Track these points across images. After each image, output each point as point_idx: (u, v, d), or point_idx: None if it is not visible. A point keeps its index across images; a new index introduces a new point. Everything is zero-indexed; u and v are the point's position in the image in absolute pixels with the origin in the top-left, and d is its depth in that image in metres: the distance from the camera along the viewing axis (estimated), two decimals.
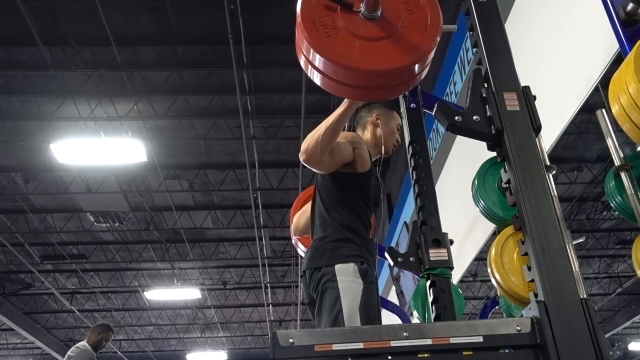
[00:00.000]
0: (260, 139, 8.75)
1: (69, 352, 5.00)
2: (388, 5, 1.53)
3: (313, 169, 2.07)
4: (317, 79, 1.52)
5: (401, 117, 2.39)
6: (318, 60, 1.44)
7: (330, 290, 1.89)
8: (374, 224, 2.93)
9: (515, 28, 3.33)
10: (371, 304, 1.93)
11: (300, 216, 2.55)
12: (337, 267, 1.91)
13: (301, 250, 3.01)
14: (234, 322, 16.61)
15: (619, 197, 1.90)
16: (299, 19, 1.48)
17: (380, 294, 3.17)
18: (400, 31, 1.50)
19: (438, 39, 1.53)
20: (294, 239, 3.01)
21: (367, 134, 2.34)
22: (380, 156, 2.33)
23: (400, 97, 2.45)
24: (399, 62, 1.46)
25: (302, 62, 1.54)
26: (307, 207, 2.34)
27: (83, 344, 5.05)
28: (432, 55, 1.55)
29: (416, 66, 1.51)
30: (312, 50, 1.43)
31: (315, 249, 2.04)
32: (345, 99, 1.93)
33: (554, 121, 2.99)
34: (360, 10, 1.50)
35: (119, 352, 17.83)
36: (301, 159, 1.99)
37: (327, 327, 1.83)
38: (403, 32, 1.50)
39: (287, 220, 11.06)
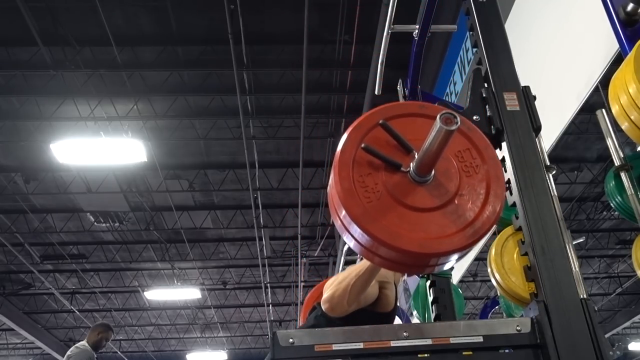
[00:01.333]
0: (260, 139, 8.75)
1: (68, 352, 5.00)
2: (442, 165, 1.25)
3: (333, 316, 1.82)
4: (352, 244, 1.28)
5: None
6: (356, 231, 1.20)
7: None
8: None
9: (515, 28, 3.33)
10: None
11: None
12: None
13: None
14: (234, 322, 16.61)
15: (619, 197, 1.90)
16: (336, 180, 1.23)
17: None
18: (455, 200, 1.24)
19: (499, 213, 1.26)
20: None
21: None
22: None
23: (401, 98, 2.45)
24: (453, 244, 1.19)
25: (336, 224, 1.29)
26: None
27: (83, 343, 5.05)
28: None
29: (471, 247, 1.24)
30: (350, 220, 1.20)
31: None
32: None
33: (554, 121, 2.99)
34: (408, 171, 1.24)
35: (119, 352, 17.82)
36: (323, 307, 1.77)
37: None
38: (459, 201, 1.24)
39: (287, 220, 11.10)
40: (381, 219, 1.19)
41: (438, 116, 1.11)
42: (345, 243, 2.08)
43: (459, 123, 1.12)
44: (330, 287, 1.76)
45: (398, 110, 1.34)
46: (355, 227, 1.19)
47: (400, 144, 1.28)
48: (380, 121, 1.28)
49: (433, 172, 1.25)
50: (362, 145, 1.25)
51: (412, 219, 1.20)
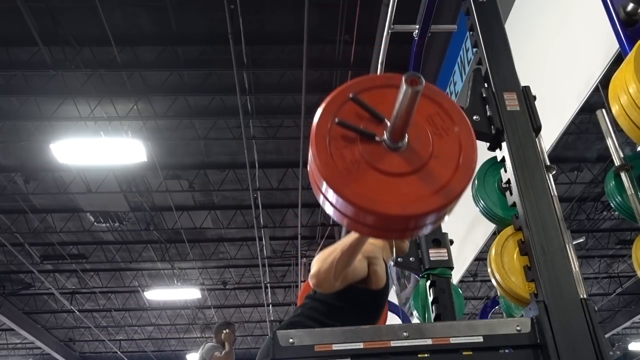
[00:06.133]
0: (260, 139, 8.75)
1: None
2: (414, 131, 1.30)
3: (321, 292, 1.84)
4: (334, 215, 1.32)
5: None
6: (337, 200, 1.25)
7: None
8: None
9: (515, 28, 3.33)
10: None
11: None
12: None
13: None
14: (234, 322, 16.59)
15: (619, 197, 1.90)
16: (314, 154, 1.27)
17: None
18: (429, 163, 1.28)
19: (474, 172, 1.31)
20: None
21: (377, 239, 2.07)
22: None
23: None
24: (429, 205, 1.23)
25: (319, 199, 1.33)
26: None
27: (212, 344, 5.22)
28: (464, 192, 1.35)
29: (448, 207, 1.29)
30: (330, 189, 1.24)
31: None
32: None
33: (554, 121, 2.99)
34: (383, 140, 1.29)
35: (119, 352, 17.83)
36: (310, 283, 1.79)
37: None
38: (433, 164, 1.28)
39: (287, 220, 11.10)
40: (360, 187, 1.23)
41: (403, 78, 1.15)
42: None
43: (424, 83, 1.15)
44: (317, 262, 1.77)
45: (368, 84, 1.38)
46: (337, 196, 1.23)
47: (372, 115, 1.32)
48: (351, 95, 1.32)
49: (406, 138, 1.29)
50: (336, 120, 1.29)
51: (390, 184, 1.25)
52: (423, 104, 1.31)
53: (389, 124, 1.28)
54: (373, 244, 2.02)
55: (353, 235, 1.71)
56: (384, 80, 1.41)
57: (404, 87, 1.15)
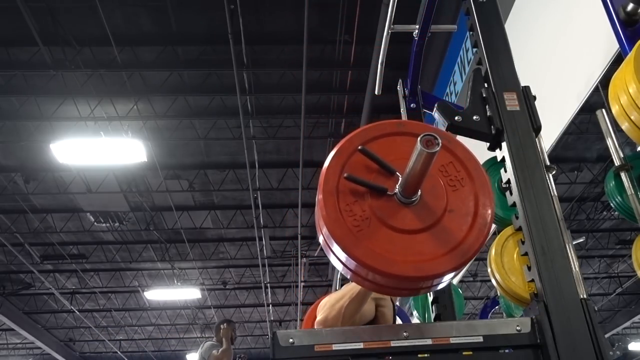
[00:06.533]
0: (260, 139, 8.75)
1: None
2: (427, 182, 1.23)
3: None
4: (345, 273, 1.26)
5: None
6: (348, 260, 1.19)
7: None
8: None
9: (515, 28, 3.33)
10: None
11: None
12: None
13: None
14: (234, 322, 16.59)
15: (619, 197, 1.90)
16: (322, 210, 1.21)
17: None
18: (443, 219, 1.22)
19: (490, 229, 1.25)
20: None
21: None
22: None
23: (401, 98, 2.45)
24: (443, 266, 1.17)
25: (327, 253, 1.28)
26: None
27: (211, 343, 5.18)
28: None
29: (463, 267, 1.23)
30: (341, 250, 1.18)
31: None
32: None
33: (554, 121, 2.99)
34: (394, 193, 1.22)
35: (119, 352, 17.83)
36: (316, 328, 1.74)
37: None
38: (447, 219, 1.22)
39: (287, 220, 11.09)
40: (372, 246, 1.17)
41: (418, 140, 1.10)
42: None
43: (440, 145, 1.10)
44: (324, 309, 1.74)
45: (376, 132, 1.32)
46: (347, 256, 1.17)
47: (383, 168, 1.26)
48: (359, 147, 1.27)
49: (419, 192, 1.23)
50: (345, 175, 1.23)
51: (403, 243, 1.18)
52: (438, 154, 1.22)
53: (400, 177, 1.22)
54: None
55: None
56: (394, 127, 1.34)
57: (418, 147, 1.11)
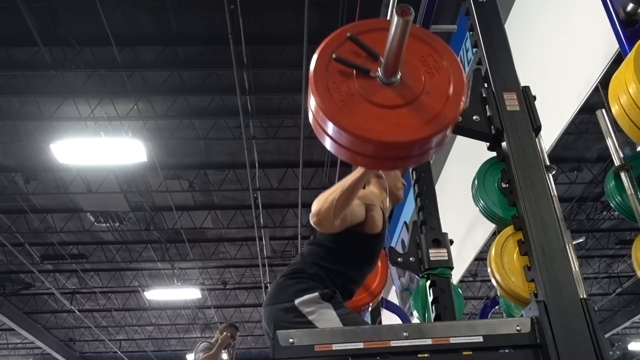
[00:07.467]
0: (260, 139, 8.75)
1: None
2: (408, 69, 1.39)
3: (322, 231, 1.94)
4: (331, 147, 1.40)
5: None
6: (333, 130, 1.33)
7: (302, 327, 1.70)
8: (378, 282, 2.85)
9: (515, 28, 3.33)
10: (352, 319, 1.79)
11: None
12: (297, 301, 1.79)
13: None
14: (234, 322, 16.61)
15: (619, 197, 1.90)
16: (312, 86, 1.35)
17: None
18: (421, 98, 1.36)
19: (462, 106, 1.39)
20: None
21: (372, 188, 2.20)
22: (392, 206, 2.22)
23: None
24: (420, 133, 1.32)
25: (315, 130, 1.42)
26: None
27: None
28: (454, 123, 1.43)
29: (438, 136, 1.37)
30: (327, 120, 1.32)
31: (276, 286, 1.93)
32: None
33: (554, 121, 2.99)
34: (377, 75, 1.37)
35: (119, 352, 17.83)
36: (311, 222, 1.86)
37: None
38: (424, 98, 1.36)
39: (287, 220, 11.09)
40: (355, 117, 1.32)
41: (394, 10, 1.22)
42: None
43: (413, 12, 1.23)
44: (317, 202, 1.85)
45: (365, 27, 1.48)
46: (333, 126, 1.31)
47: (368, 53, 1.41)
48: (349, 34, 1.42)
49: (399, 74, 1.37)
50: (334, 56, 1.38)
51: (383, 115, 1.34)
52: (417, 46, 1.44)
53: (382, 60, 1.36)
54: (372, 192, 2.14)
55: (351, 177, 1.82)
56: (382, 23, 1.48)
57: (395, 17, 1.22)
